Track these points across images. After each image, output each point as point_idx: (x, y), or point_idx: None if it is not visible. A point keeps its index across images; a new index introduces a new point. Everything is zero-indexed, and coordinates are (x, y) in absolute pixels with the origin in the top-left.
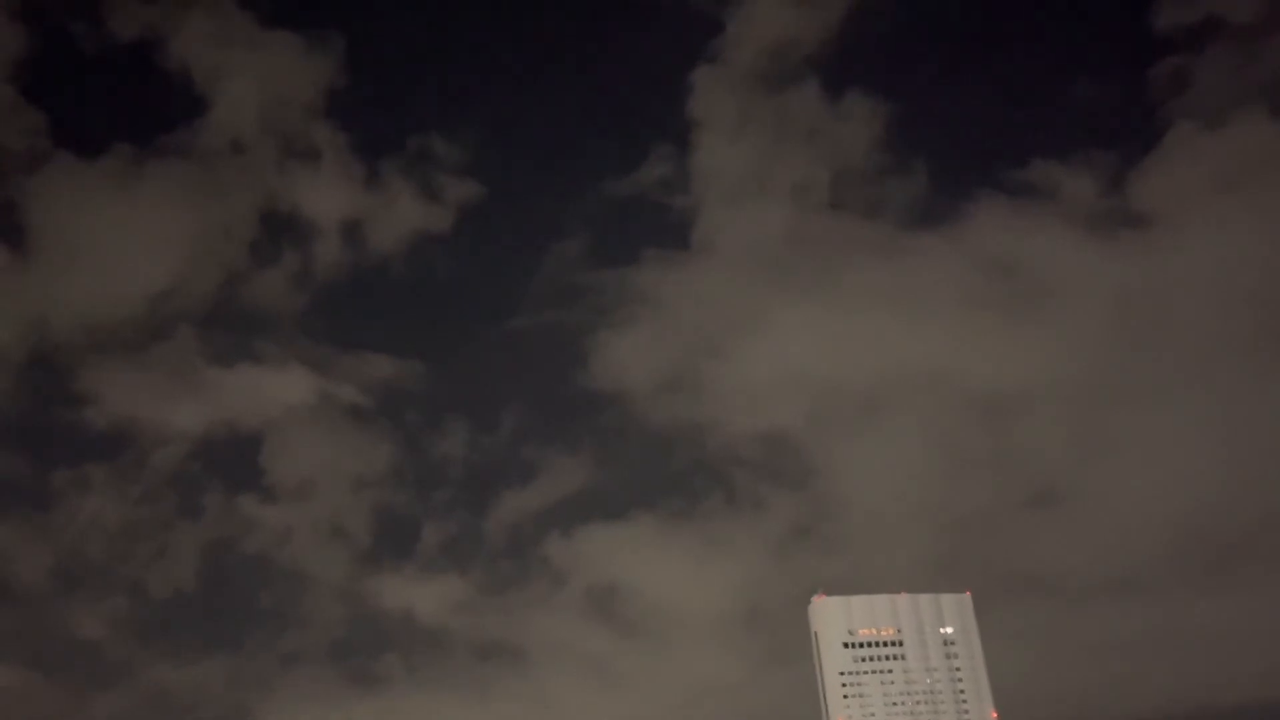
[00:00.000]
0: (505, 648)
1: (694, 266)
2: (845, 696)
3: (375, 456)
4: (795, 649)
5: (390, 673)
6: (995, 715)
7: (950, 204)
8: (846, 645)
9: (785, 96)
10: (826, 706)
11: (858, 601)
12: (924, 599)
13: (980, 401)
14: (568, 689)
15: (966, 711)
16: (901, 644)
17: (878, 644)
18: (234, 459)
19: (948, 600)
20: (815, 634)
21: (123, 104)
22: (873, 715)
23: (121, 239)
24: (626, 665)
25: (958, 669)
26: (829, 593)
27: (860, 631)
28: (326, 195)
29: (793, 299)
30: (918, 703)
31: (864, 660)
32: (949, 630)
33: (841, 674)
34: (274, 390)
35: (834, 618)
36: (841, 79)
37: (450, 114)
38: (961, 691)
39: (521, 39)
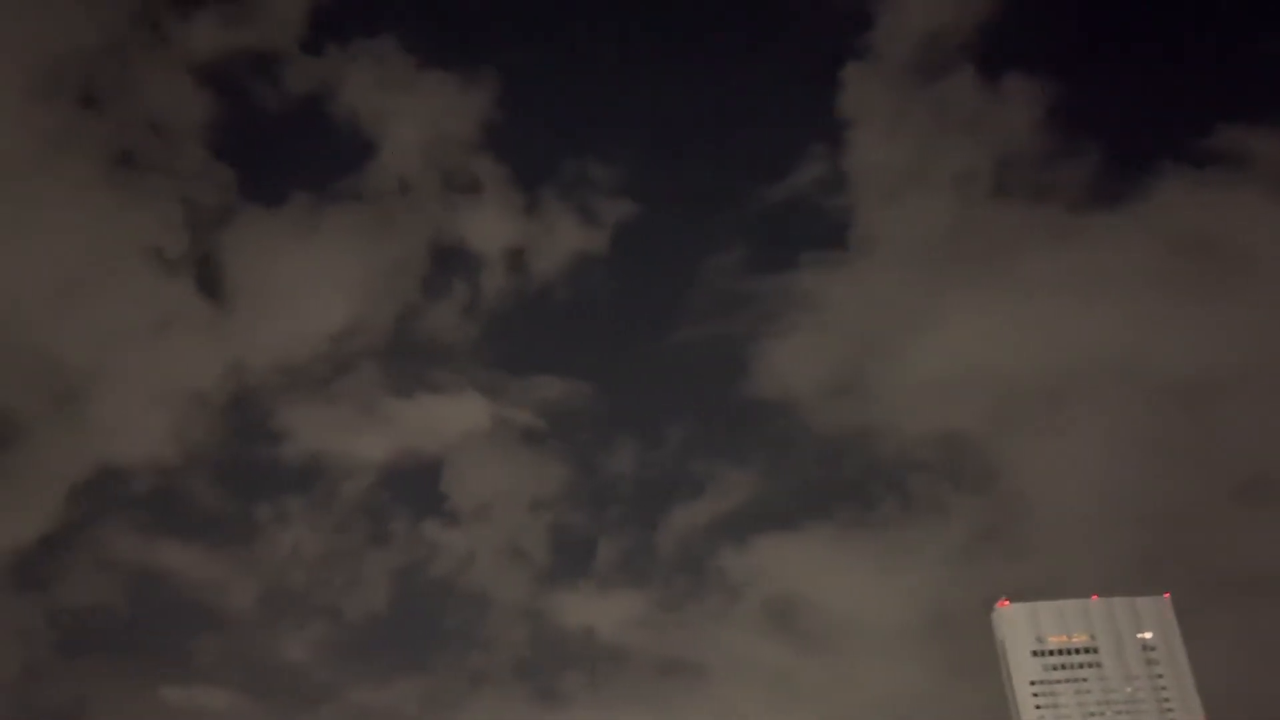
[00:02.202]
0: (685, 663)
1: (855, 267)
2: (1038, 707)
3: (549, 477)
4: (981, 659)
5: (573, 690)
6: None
7: (1128, 181)
8: (1036, 653)
9: (940, 86)
10: (1019, 718)
11: (1045, 607)
12: (1119, 603)
13: (1176, 388)
14: (748, 703)
15: None
16: (1096, 651)
17: (1070, 651)
18: (417, 485)
19: (1145, 604)
20: (1001, 642)
21: (300, 154)
22: None
23: (305, 282)
24: (807, 678)
25: (1159, 676)
26: (1015, 599)
27: (1050, 639)
28: (490, 226)
29: (963, 292)
30: (1118, 712)
31: (1056, 669)
32: (1148, 635)
33: (1032, 684)
34: (451, 417)
35: (1021, 625)
36: (998, 63)
37: (602, 136)
38: (1166, 700)
39: (665, 54)
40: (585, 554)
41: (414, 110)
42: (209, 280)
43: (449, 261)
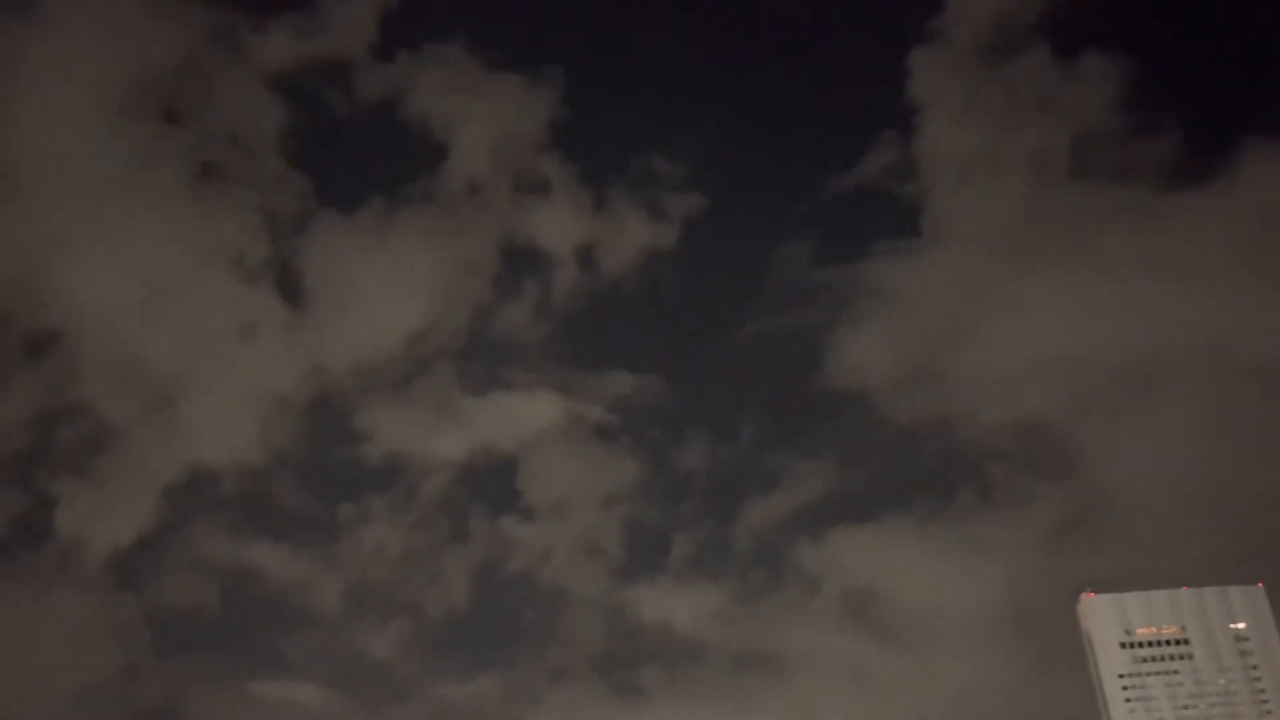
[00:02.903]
0: (762, 656)
1: (928, 254)
2: (1128, 700)
3: (622, 472)
4: (1066, 651)
5: (652, 684)
6: None
7: (1212, 158)
8: (1124, 645)
9: (1012, 67)
10: (1107, 711)
11: (1132, 599)
12: (1209, 593)
13: (1266, 371)
14: (827, 697)
15: (1269, 713)
16: (1187, 642)
17: (1160, 643)
18: (493, 483)
19: (1237, 593)
20: (1087, 635)
21: (373, 160)
22: None
23: (381, 285)
24: (887, 672)
25: (1254, 667)
26: (1100, 590)
27: (1138, 631)
28: (559, 225)
29: (1041, 276)
30: (1212, 705)
31: (1145, 661)
32: (1241, 626)
33: (1121, 676)
34: (525, 415)
35: (1107, 617)
36: (1073, 41)
37: (669, 131)
38: (1261, 691)
39: (730, 45)
40: (660, 549)
41: (482, 112)
42: (288, 286)
43: (520, 261)
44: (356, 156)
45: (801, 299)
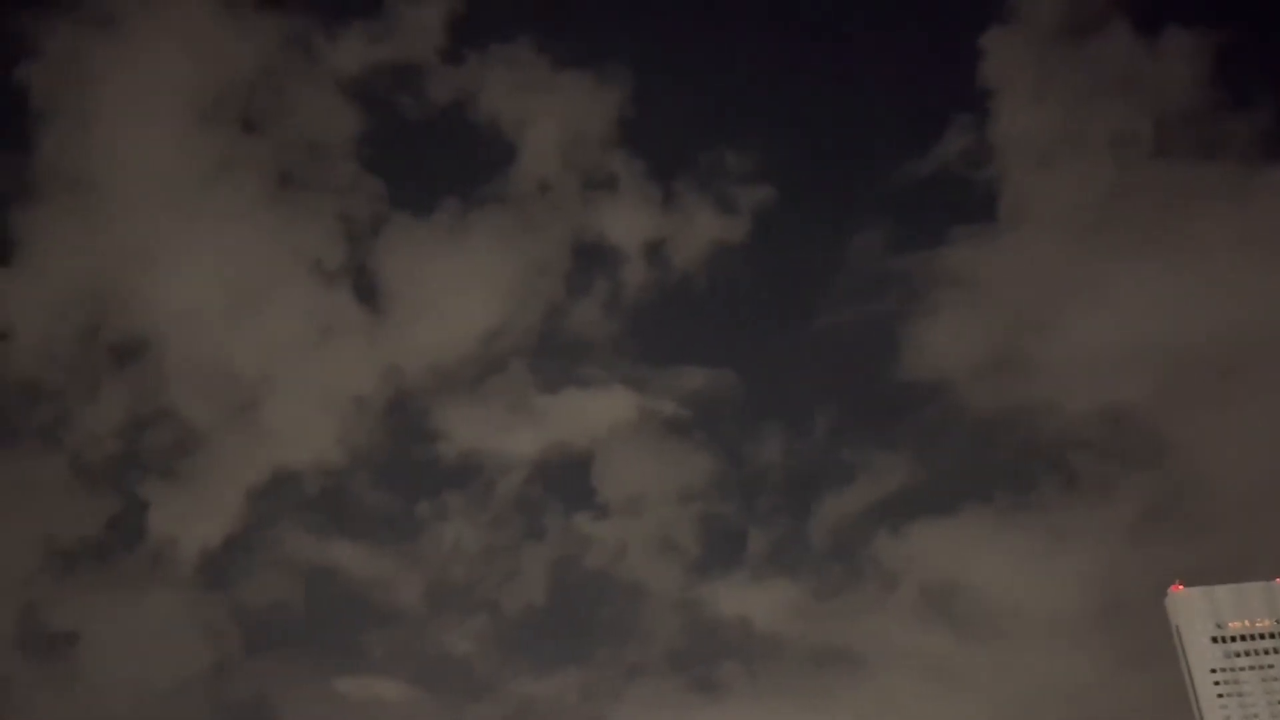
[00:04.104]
0: (842, 652)
1: (1007, 239)
2: (1220, 696)
3: (697, 468)
4: (1155, 646)
5: (730, 680)
6: None
7: None
8: (1216, 640)
9: (1091, 46)
10: (1199, 708)
11: (1224, 591)
12: None
13: None
14: (909, 693)
15: None
16: None
17: (1253, 637)
18: (568, 480)
19: None
20: (1176, 628)
21: (445, 162)
22: (1255, 716)
23: (454, 286)
24: (969, 667)
25: None
26: (1190, 582)
27: (1231, 624)
28: (628, 221)
29: (1125, 259)
30: None
31: (1239, 656)
32: None
33: (1213, 671)
34: (598, 411)
35: (1197, 610)
36: (1155, 16)
37: (737, 123)
38: None
39: (797, 33)
40: (736, 544)
41: (551, 111)
42: (365, 289)
43: (590, 258)
44: (429, 159)
45: (876, 288)
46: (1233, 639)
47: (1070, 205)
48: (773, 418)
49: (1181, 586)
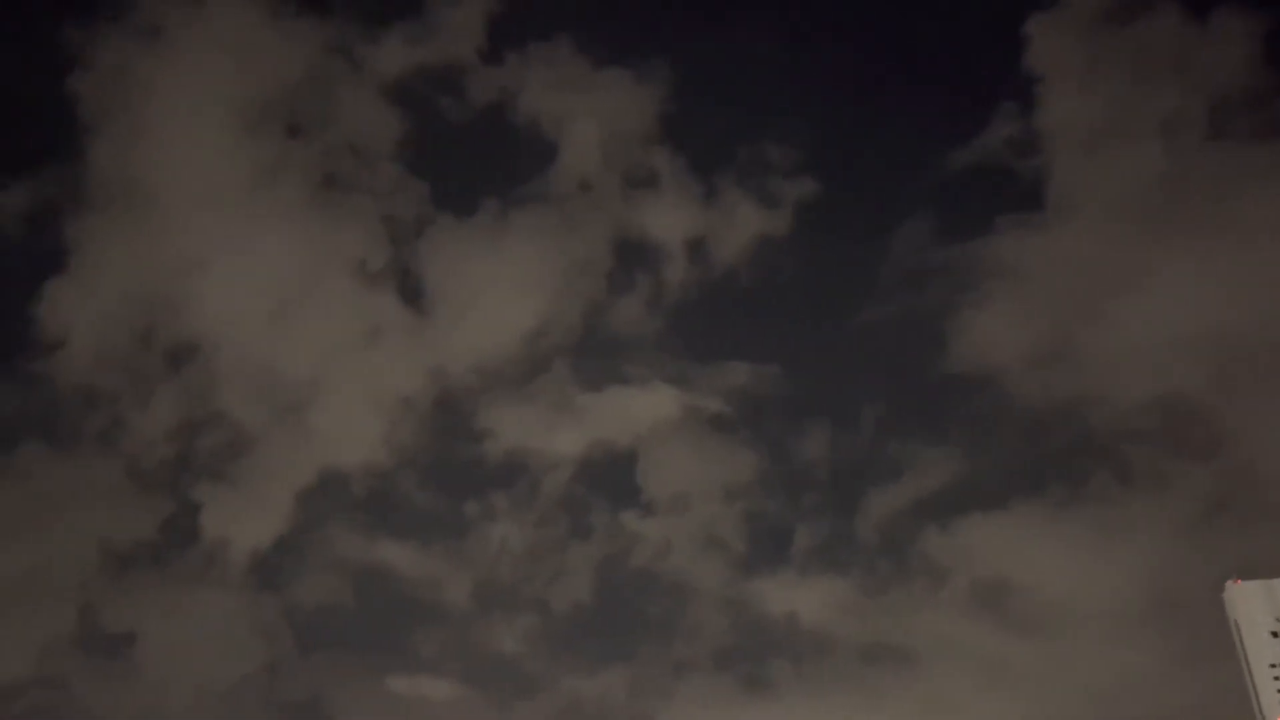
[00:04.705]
0: (891, 649)
1: (1055, 228)
2: None
3: (741, 464)
4: (1213, 641)
5: (778, 677)
6: None
7: None
8: (1276, 634)
9: (1139, 29)
10: (1259, 703)
11: None
12: None
13: None
14: (960, 690)
15: None
16: None
17: None
18: (612, 478)
19: None
20: (1235, 623)
21: (486, 162)
22: None
23: (497, 286)
24: (1022, 664)
25: None
26: (1249, 576)
27: None
28: (669, 218)
29: (1178, 246)
30: None
31: None
32: None
33: (1272, 666)
34: (642, 409)
35: (1256, 604)
36: None
37: (778, 116)
38: None
39: (837, 24)
40: (782, 541)
41: (591, 109)
42: (409, 290)
43: (632, 256)
44: (470, 160)
45: (921, 281)
46: None
47: (1120, 192)
48: (818, 413)
49: (1240, 580)
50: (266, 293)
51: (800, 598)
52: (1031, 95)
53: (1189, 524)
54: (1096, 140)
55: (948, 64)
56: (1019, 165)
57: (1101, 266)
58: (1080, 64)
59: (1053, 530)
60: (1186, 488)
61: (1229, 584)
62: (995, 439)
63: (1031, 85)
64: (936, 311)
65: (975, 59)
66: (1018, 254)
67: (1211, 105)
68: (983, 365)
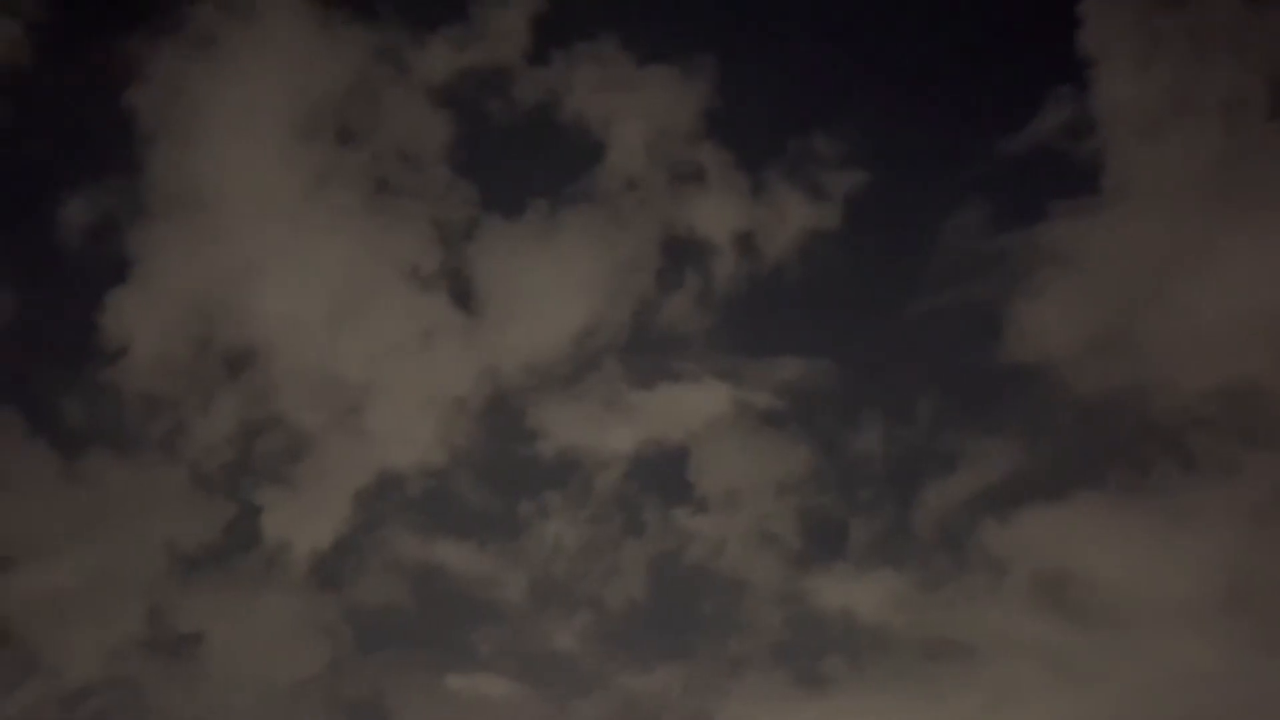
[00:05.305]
0: (951, 643)
1: (1112, 212)
2: None
3: (794, 459)
4: None
5: (835, 673)
6: None
7: None
8: None
9: (1196, 6)
10: None
11: None
12: None
13: None
14: (1023, 685)
15: None
16: None
17: None
18: (664, 475)
19: None
20: None
21: (534, 163)
22: None
23: (547, 285)
24: (1088, 658)
25: None
26: None
27: None
28: (717, 214)
29: (1241, 227)
30: None
31: None
32: None
33: None
34: (693, 405)
35: None
36: None
37: (825, 108)
38: None
39: (883, 11)
40: (838, 536)
41: (637, 107)
42: (460, 292)
43: (680, 252)
44: (518, 161)
45: (975, 270)
46: None
47: (1179, 175)
48: (871, 406)
49: None
50: (321, 297)
51: (856, 593)
52: (1086, 78)
53: (1258, 511)
54: (1154, 122)
55: (998, 48)
56: (1073, 150)
57: (1161, 250)
58: (1136, 44)
59: (1116, 520)
60: (1255, 475)
61: None
62: (1054, 429)
63: (1086, 67)
64: (991, 301)
65: (1027, 42)
66: (1074, 240)
67: (1272, 84)
68: (1040, 354)
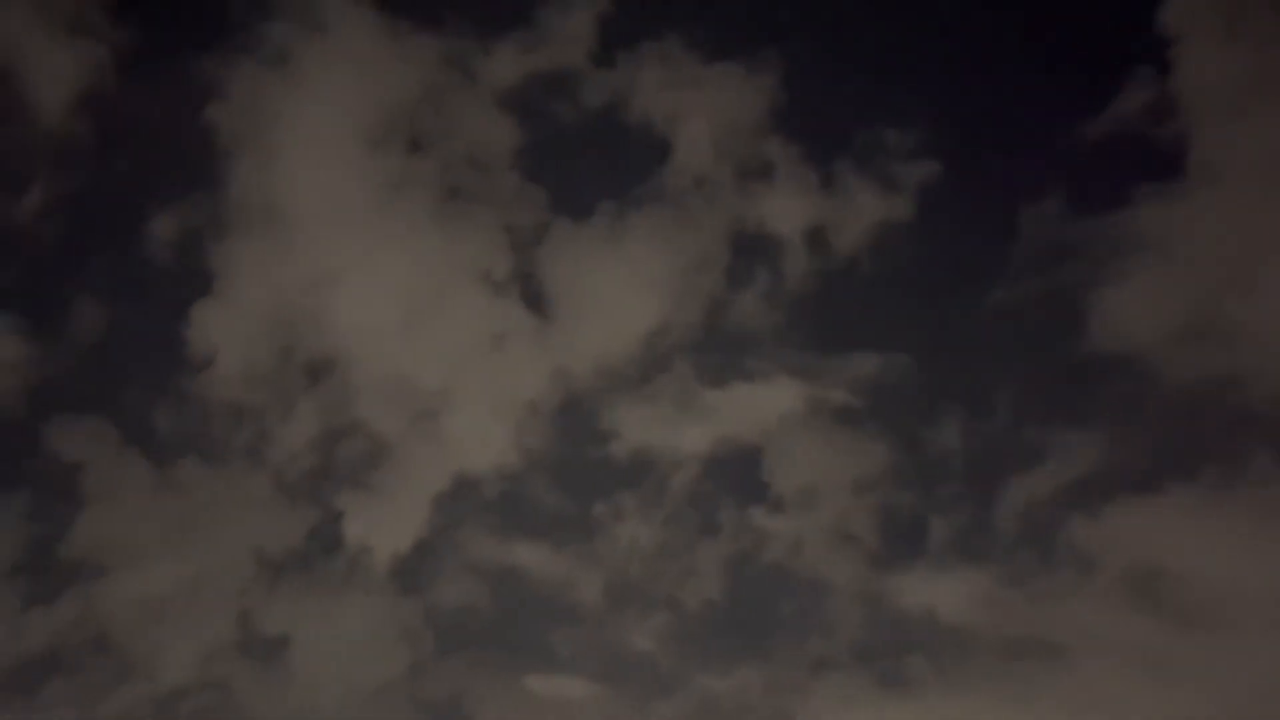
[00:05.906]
0: (1037, 642)
1: (1198, 196)
2: None
3: (871, 456)
4: None
5: (918, 674)
6: None
7: None
8: None
9: None
10: None
11: None
12: None
13: None
14: (1114, 685)
15: None
16: None
17: None
18: (739, 474)
19: None
20: None
21: (602, 165)
22: None
23: (616, 287)
24: (1180, 657)
25: None
26: None
27: None
28: (786, 209)
29: None
30: None
31: None
32: None
33: None
34: (766, 403)
35: None
36: None
37: (894, 97)
38: None
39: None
40: (917, 534)
41: (703, 105)
42: (532, 296)
43: (749, 249)
44: (586, 164)
45: (1055, 258)
46: None
47: (1267, 155)
48: (950, 401)
49: None
50: (396, 305)
51: (938, 592)
52: (1167, 58)
53: None
54: (1239, 102)
55: (1075, 29)
56: (1156, 132)
57: (1250, 234)
58: (1220, 22)
59: (1210, 514)
60: None
61: None
62: (1143, 420)
63: (1167, 47)
64: (1073, 290)
65: (1105, 22)
66: (1159, 225)
67: None
68: (1126, 344)
